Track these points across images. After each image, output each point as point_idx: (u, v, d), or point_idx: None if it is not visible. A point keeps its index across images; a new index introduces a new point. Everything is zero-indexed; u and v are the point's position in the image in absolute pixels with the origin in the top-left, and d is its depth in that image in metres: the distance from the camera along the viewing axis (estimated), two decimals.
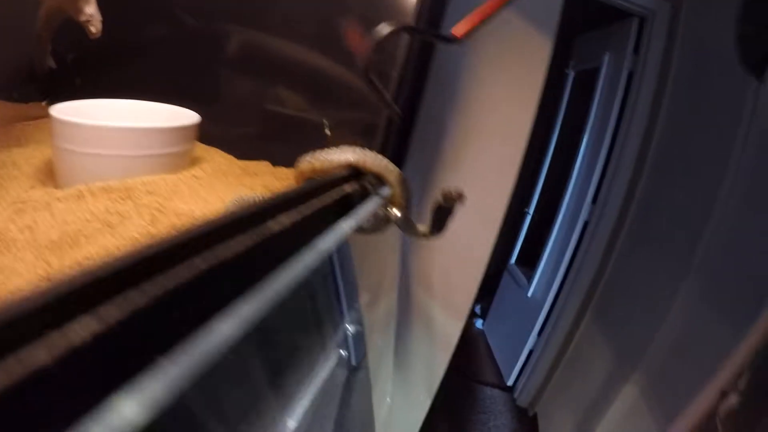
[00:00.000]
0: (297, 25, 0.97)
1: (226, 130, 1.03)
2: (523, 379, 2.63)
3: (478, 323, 3.37)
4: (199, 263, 0.27)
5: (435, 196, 0.62)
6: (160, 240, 0.26)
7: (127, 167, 0.59)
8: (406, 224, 0.60)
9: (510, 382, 2.73)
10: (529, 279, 2.77)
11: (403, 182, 0.57)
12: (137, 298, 0.23)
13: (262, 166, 0.87)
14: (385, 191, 0.56)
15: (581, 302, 2.33)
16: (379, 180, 0.56)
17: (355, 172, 0.55)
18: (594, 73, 2.53)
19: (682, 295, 1.63)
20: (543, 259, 2.70)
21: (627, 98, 2.23)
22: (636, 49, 2.18)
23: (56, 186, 0.64)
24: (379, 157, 0.56)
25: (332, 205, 0.46)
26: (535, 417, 2.50)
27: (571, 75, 2.87)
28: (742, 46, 1.25)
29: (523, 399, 2.60)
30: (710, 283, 1.36)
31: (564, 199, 2.61)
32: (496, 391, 2.72)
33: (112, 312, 0.21)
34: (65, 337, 0.19)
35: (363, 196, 0.52)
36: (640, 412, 1.80)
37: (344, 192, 0.50)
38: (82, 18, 0.83)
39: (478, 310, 3.41)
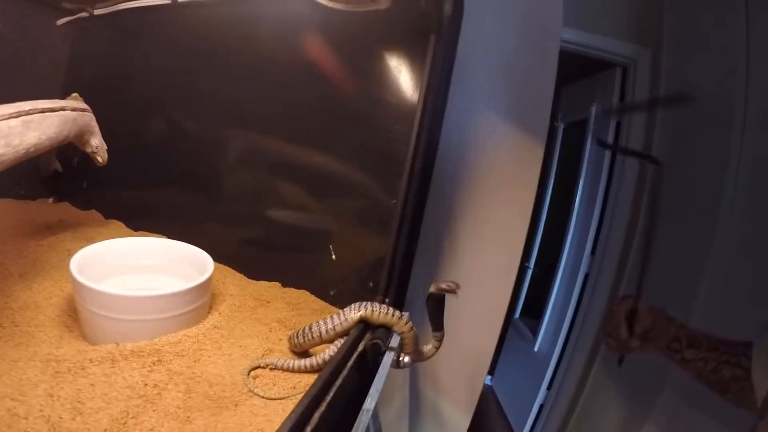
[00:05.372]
0: (294, 124, 1.01)
1: (233, 233, 1.05)
2: None
3: (487, 379, 3.33)
4: None
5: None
6: None
7: (152, 328, 0.63)
8: (416, 359, 0.65)
9: None
10: (535, 333, 2.77)
11: (412, 330, 0.62)
12: None
13: (273, 290, 0.91)
14: (395, 341, 0.60)
15: (589, 353, 2.32)
16: (387, 327, 0.61)
17: (365, 325, 0.60)
18: (583, 125, 2.59)
19: None
20: (547, 312, 2.70)
21: (617, 147, 2.25)
22: (621, 98, 2.21)
23: (82, 333, 0.67)
24: (387, 309, 0.61)
25: (353, 369, 0.51)
26: None
27: (561, 127, 2.94)
28: None
29: None
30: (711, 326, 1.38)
31: (563, 251, 2.63)
32: None
33: None
34: None
35: (375, 350, 0.57)
36: None
37: (359, 351, 0.55)
38: (89, 150, 0.89)
39: None
